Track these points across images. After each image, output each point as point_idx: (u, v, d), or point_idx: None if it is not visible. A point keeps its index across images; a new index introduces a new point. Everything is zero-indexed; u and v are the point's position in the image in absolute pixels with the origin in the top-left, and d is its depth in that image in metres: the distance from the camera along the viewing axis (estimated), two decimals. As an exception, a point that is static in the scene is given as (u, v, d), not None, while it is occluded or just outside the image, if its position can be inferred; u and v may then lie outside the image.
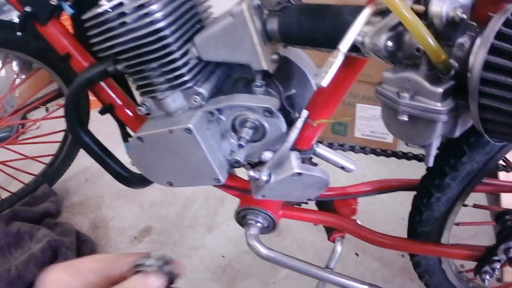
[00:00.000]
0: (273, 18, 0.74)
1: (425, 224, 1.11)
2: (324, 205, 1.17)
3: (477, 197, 1.85)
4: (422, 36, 0.53)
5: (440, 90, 0.57)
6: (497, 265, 1.11)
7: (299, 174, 0.82)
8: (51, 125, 1.86)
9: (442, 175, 1.01)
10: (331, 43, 0.61)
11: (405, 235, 1.18)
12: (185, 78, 0.81)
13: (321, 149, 0.91)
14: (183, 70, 0.81)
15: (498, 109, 0.54)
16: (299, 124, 0.79)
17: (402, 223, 1.68)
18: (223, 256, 1.64)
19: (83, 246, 1.68)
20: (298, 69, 0.87)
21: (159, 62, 0.80)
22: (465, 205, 1.12)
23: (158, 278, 0.50)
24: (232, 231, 1.76)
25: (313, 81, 0.77)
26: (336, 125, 2.19)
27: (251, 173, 0.81)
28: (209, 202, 1.94)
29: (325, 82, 0.59)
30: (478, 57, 0.53)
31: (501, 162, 1.11)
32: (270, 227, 1.07)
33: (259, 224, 1.05)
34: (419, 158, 1.10)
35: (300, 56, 0.89)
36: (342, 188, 1.13)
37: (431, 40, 0.54)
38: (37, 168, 1.95)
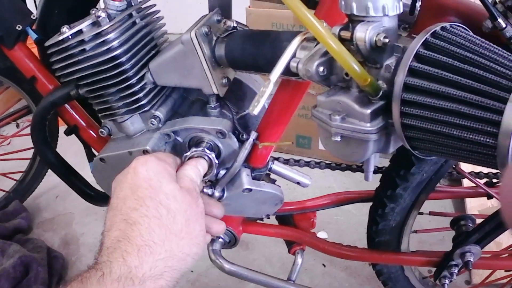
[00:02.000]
0: (220, 44, 0.77)
1: (382, 234, 1.14)
2: (284, 219, 1.19)
3: (443, 202, 1.90)
4: (346, 62, 0.56)
5: (368, 111, 0.59)
6: (455, 270, 1.14)
7: (249, 190, 0.85)
8: (21, 141, 1.87)
9: (394, 186, 1.04)
10: (272, 69, 0.64)
11: (371, 245, 1.20)
12: (142, 102, 0.84)
13: (276, 166, 0.94)
14: (140, 94, 0.84)
15: (419, 128, 0.56)
16: (247, 145, 0.82)
17: (368, 233, 1.71)
18: (192, 271, 1.65)
19: (54, 262, 1.67)
20: (250, 90, 0.91)
21: (117, 88, 0.83)
22: (421, 213, 1.15)
23: (203, 161, 0.78)
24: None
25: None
26: (300, 138, 2.24)
27: (205, 189, 0.84)
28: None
29: (256, 110, 0.62)
30: (398, 79, 0.56)
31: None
32: (232, 242, 1.10)
33: (220, 240, 1.08)
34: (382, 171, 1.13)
35: (253, 78, 0.93)
36: (301, 202, 1.16)
37: (355, 66, 0.56)
38: (8, 184, 1.94)
